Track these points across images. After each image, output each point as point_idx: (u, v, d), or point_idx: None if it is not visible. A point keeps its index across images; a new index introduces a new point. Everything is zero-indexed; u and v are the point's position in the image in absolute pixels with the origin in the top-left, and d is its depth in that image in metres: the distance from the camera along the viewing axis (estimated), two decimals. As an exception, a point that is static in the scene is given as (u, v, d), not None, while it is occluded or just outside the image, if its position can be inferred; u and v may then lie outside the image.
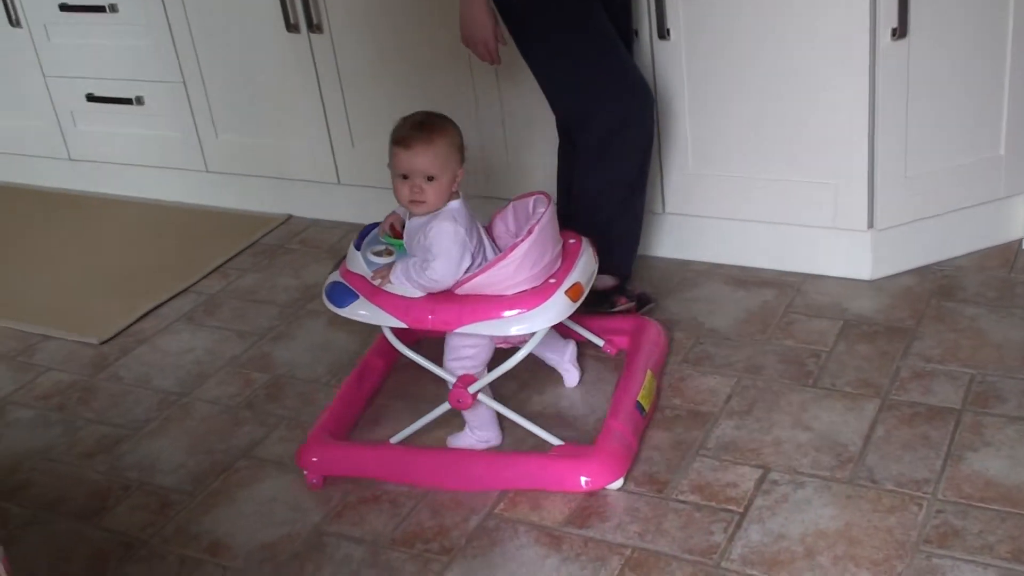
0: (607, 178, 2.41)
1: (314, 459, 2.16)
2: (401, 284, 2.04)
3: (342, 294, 2.10)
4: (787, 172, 2.55)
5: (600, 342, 2.40)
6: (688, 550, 1.87)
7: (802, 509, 1.92)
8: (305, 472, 2.16)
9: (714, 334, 2.46)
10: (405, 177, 2.01)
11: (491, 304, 2.01)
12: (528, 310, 2.00)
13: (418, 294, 2.04)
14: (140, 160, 3.47)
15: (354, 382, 2.37)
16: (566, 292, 2.03)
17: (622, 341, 2.41)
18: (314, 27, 2.94)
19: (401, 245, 2.10)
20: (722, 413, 2.20)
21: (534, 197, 2.13)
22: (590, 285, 2.11)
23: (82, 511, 2.19)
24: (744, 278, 2.67)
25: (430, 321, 2.03)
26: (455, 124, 2.06)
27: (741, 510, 1.94)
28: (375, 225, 2.22)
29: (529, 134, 2.80)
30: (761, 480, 2.01)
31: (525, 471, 2.06)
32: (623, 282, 2.53)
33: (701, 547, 1.87)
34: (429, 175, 1.99)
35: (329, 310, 2.13)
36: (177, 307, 2.91)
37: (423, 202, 2.01)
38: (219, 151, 3.30)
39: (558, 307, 2.02)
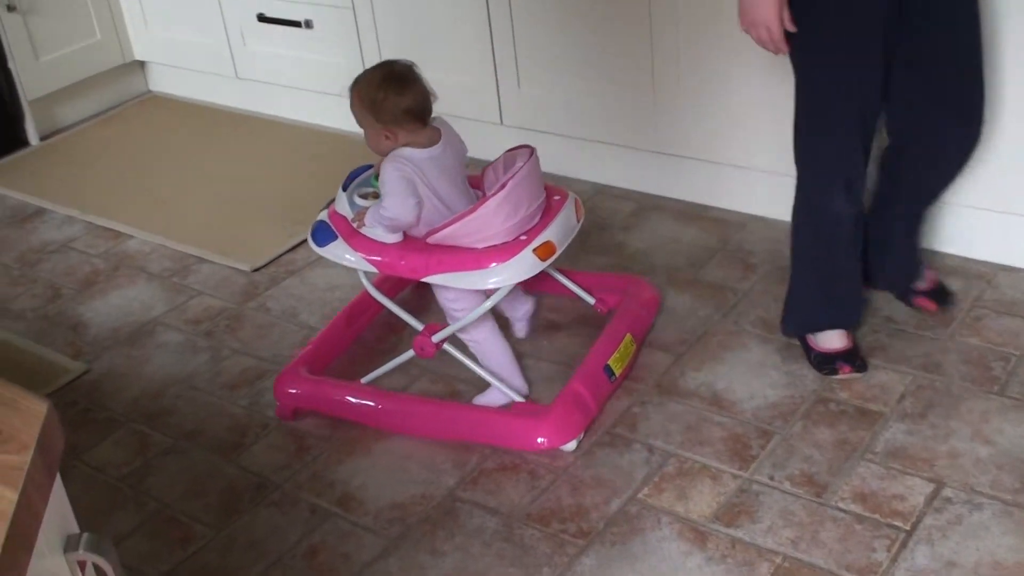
0: (794, 237, 2.14)
1: (291, 391, 2.19)
2: (372, 227, 2.05)
3: (324, 234, 2.11)
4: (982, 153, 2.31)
5: (591, 300, 2.34)
6: (845, 566, 1.72)
7: (978, 534, 1.75)
8: (278, 403, 2.21)
9: (890, 323, 2.27)
10: None
11: (458, 256, 1.99)
12: (494, 265, 1.97)
13: (389, 237, 2.05)
14: (304, 84, 3.43)
15: (342, 320, 2.38)
16: (535, 250, 1.99)
17: (614, 300, 2.33)
18: (490, -41, 2.81)
19: None
20: (893, 414, 2.02)
21: (520, 150, 2.08)
22: (565, 244, 2.06)
23: (220, 445, 2.17)
24: (928, 264, 2.45)
25: (400, 267, 2.04)
26: (376, 81, 2.02)
27: (908, 527, 1.78)
28: (367, 167, 2.20)
29: (709, 90, 2.62)
30: (933, 496, 1.83)
31: (483, 425, 2.07)
32: (855, 344, 2.16)
33: (860, 564, 1.72)
34: (359, 125, 2.06)
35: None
36: (329, 240, 2.86)
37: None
38: (383, 81, 3.22)
39: (524, 265, 1.99)
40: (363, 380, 2.20)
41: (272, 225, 2.94)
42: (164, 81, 3.89)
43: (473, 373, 2.14)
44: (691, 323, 2.35)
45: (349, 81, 3.24)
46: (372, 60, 3.17)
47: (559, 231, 2.04)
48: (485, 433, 2.07)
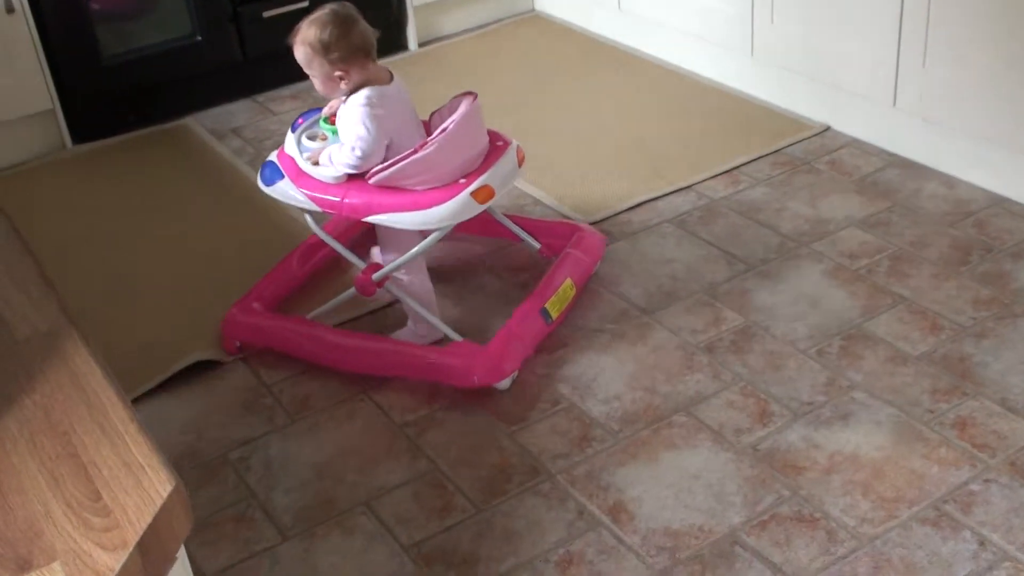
0: None
1: (237, 322, 2.23)
2: (328, 167, 2.08)
3: (272, 173, 2.14)
4: None
5: (537, 245, 2.37)
6: None
7: None
8: (223, 336, 2.25)
9: None
10: None
11: (399, 197, 2.03)
12: (431, 207, 2.02)
13: (331, 177, 2.07)
14: (686, 27, 3.18)
15: (294, 258, 2.40)
16: (472, 194, 2.03)
17: (559, 246, 2.34)
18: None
19: (336, 131, 2.12)
20: None
21: (463, 96, 2.12)
22: (504, 188, 2.10)
23: (506, 413, 2.05)
24: None
25: (343, 207, 2.06)
26: (322, 23, 2.04)
27: None
28: (316, 110, 2.23)
29: None
30: None
31: (417, 361, 2.09)
32: None
33: None
34: (309, 72, 2.09)
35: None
36: (673, 204, 2.64)
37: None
38: (770, 39, 2.91)
39: (461, 207, 2.03)
40: (308, 316, 2.23)
41: (618, 176, 2.76)
42: (549, 2, 3.77)
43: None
44: (1072, 393, 1.94)
45: (737, 31, 2.98)
46: (762, 16, 2.90)
47: (499, 176, 2.09)
48: (420, 369, 2.09)
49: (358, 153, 2.05)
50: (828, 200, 2.58)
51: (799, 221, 2.52)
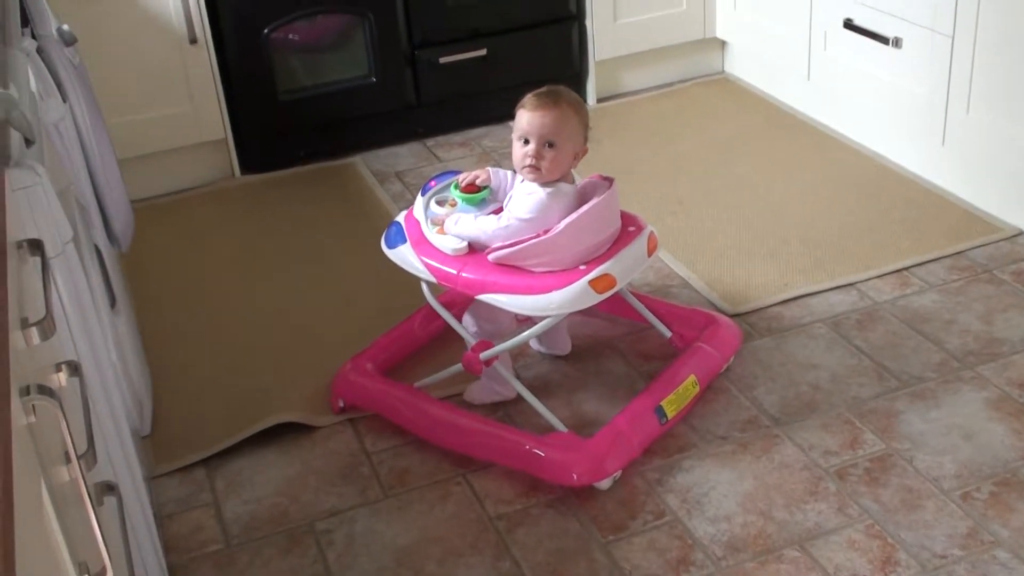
0: None
1: (347, 382, 2.18)
2: (449, 237, 2.02)
3: (396, 235, 2.10)
4: None
5: (668, 333, 2.23)
6: None
7: None
8: (332, 394, 2.20)
9: None
10: (526, 142, 1.96)
11: (515, 278, 1.95)
12: (546, 292, 1.92)
13: (454, 246, 2.00)
14: (875, 106, 2.95)
15: (415, 321, 2.34)
16: (590, 282, 1.93)
17: (692, 336, 2.20)
18: None
19: (467, 200, 2.06)
20: None
21: (602, 180, 2.03)
22: (629, 278, 2.01)
23: (605, 519, 1.91)
24: None
25: (458, 281, 1.99)
26: (583, 103, 2.02)
27: None
28: (451, 173, 2.17)
29: None
30: None
31: (517, 450, 1.99)
32: None
33: None
34: (550, 140, 1.94)
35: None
36: (831, 302, 2.43)
37: (538, 169, 1.96)
38: (963, 128, 2.66)
39: (577, 295, 1.92)
40: (417, 384, 2.16)
41: (777, 263, 2.58)
42: (739, 65, 3.60)
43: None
44: None
45: (928, 116, 2.74)
46: (958, 99, 2.66)
47: (622, 265, 1.97)
48: (519, 460, 1.98)
49: (504, 223, 1.98)
50: (1006, 316, 2.32)
51: (968, 338, 2.27)
